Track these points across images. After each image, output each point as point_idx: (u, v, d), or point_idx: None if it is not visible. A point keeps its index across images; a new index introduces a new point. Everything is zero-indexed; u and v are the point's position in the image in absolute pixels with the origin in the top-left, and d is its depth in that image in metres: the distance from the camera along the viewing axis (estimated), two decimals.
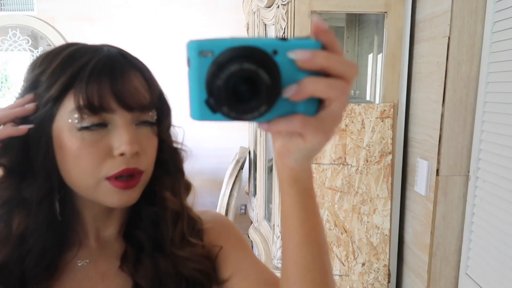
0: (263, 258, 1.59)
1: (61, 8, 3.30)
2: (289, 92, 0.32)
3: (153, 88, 0.52)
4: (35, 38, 3.35)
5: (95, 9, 3.32)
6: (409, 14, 1.38)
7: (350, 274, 1.42)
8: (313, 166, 1.39)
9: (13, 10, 3.29)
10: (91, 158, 0.47)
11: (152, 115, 0.52)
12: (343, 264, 1.42)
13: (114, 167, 0.47)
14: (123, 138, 0.47)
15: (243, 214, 3.28)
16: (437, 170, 1.24)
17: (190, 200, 0.59)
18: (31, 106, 0.48)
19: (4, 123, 0.48)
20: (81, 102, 0.46)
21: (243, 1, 2.48)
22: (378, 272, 1.42)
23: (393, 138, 1.39)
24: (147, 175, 0.52)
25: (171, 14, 3.33)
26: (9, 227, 0.48)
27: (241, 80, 0.31)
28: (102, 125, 0.47)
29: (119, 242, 0.56)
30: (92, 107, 0.46)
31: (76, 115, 0.46)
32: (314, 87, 0.32)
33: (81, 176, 0.48)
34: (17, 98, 0.51)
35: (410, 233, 1.44)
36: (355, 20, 1.78)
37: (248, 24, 2.43)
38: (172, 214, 0.55)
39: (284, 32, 1.40)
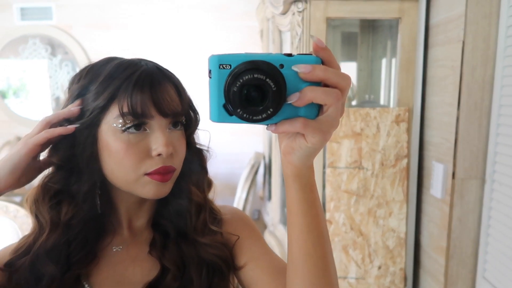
0: None
1: (78, 17, 3.39)
2: (293, 99, 0.39)
3: (184, 97, 0.59)
4: (53, 46, 3.44)
5: (110, 18, 3.40)
6: (423, 19, 1.40)
7: (366, 277, 1.43)
8: (329, 169, 1.41)
9: (33, 19, 3.39)
10: (133, 158, 0.54)
11: (183, 120, 0.59)
12: (359, 267, 1.43)
13: (152, 165, 0.55)
14: (160, 141, 0.54)
15: (257, 219, 3.30)
16: (453, 173, 1.25)
17: (210, 195, 0.66)
18: (76, 110, 0.55)
19: (54, 124, 0.55)
20: (125, 110, 0.53)
21: (256, 8, 2.52)
22: (394, 275, 1.43)
23: (408, 142, 1.40)
24: (178, 172, 0.59)
25: (184, 21, 3.39)
26: (59, 215, 0.56)
27: (253, 88, 0.39)
28: (143, 129, 0.55)
29: (148, 230, 0.63)
30: (135, 114, 0.54)
31: (120, 121, 0.54)
32: (313, 94, 0.39)
33: (124, 173, 0.55)
34: (64, 106, 0.58)
35: (426, 236, 1.44)
36: (369, 26, 1.80)
37: (262, 30, 2.47)
38: (196, 205, 0.61)
39: (299, 39, 1.43)
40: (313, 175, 0.47)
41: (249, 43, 3.38)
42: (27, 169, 0.56)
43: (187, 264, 0.59)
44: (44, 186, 0.57)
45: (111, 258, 0.60)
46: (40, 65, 3.47)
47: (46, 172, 0.59)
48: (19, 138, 3.32)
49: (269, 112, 0.39)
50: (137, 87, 0.54)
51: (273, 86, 0.39)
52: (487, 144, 1.22)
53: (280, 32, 1.79)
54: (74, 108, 0.56)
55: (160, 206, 0.64)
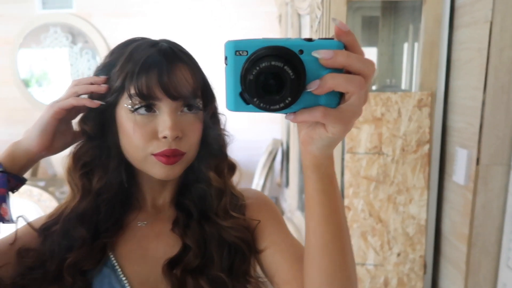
0: None
1: (98, 5, 3.42)
2: (312, 87, 0.37)
3: (197, 79, 0.59)
4: (74, 34, 3.48)
5: (129, 5, 3.42)
6: (449, 0, 1.35)
7: (385, 264, 1.42)
8: (348, 155, 1.39)
9: (54, 8, 3.44)
10: (140, 138, 0.56)
11: (197, 103, 0.59)
12: (377, 254, 1.42)
13: (158, 147, 0.56)
14: (166, 124, 0.55)
15: None
16: (477, 159, 1.21)
17: (235, 178, 0.65)
18: (104, 87, 0.58)
19: (80, 94, 0.58)
20: (132, 91, 0.55)
21: None
22: (413, 262, 1.41)
23: (431, 127, 1.37)
24: (189, 155, 0.60)
25: (202, 8, 3.37)
26: (90, 183, 0.60)
27: (270, 76, 0.36)
28: (151, 110, 0.56)
29: (171, 209, 0.65)
30: (142, 95, 0.55)
31: (129, 101, 0.56)
32: (334, 81, 0.37)
33: (133, 151, 0.58)
34: (94, 74, 0.61)
35: (447, 224, 1.41)
36: (391, 8, 1.75)
37: (280, 15, 2.44)
38: (216, 191, 0.62)
39: (319, 22, 1.40)
40: (333, 166, 0.46)
41: (267, 29, 3.34)
42: (58, 134, 0.59)
43: (208, 244, 0.60)
44: (75, 155, 0.61)
45: (136, 232, 0.63)
46: (61, 53, 3.52)
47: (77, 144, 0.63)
48: None
49: (287, 101, 0.37)
50: (144, 69, 0.55)
51: (291, 74, 0.36)
52: None
53: (299, 16, 1.76)
54: (104, 86, 0.58)
55: (183, 187, 0.66)
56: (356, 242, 1.42)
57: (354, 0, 1.36)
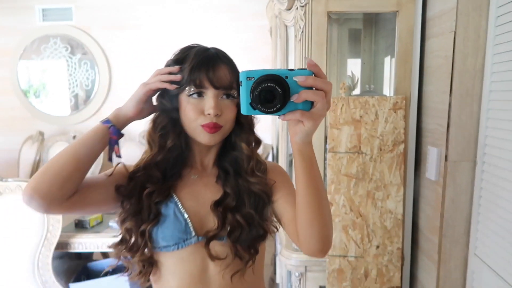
0: (283, 243, 1.70)
1: (97, 18, 3.55)
2: (294, 98, 0.60)
3: (234, 75, 0.82)
4: (72, 45, 3.60)
5: (126, 18, 3.55)
6: (420, 12, 1.48)
7: (365, 256, 1.52)
8: (330, 154, 1.50)
9: (54, 20, 3.56)
10: (192, 113, 0.80)
11: (233, 93, 0.81)
12: (358, 246, 1.52)
13: (204, 120, 0.80)
14: (209, 105, 0.79)
15: None
16: (446, 156, 1.32)
17: (259, 151, 0.91)
18: (179, 77, 0.80)
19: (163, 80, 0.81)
20: (191, 82, 0.79)
21: (266, 7, 2.62)
22: (392, 254, 1.51)
23: (406, 128, 1.48)
24: (226, 128, 0.82)
25: (197, 21, 3.51)
26: (165, 142, 0.83)
27: (267, 92, 0.60)
28: (201, 95, 0.80)
29: (214, 168, 0.90)
30: (195, 85, 0.79)
31: (187, 88, 0.80)
32: (307, 95, 0.60)
33: (188, 122, 0.81)
34: (166, 65, 0.85)
35: (422, 218, 1.52)
36: (371, 20, 1.88)
37: (271, 28, 2.57)
38: (246, 156, 0.86)
39: (302, 32, 1.52)
40: (312, 150, 0.68)
41: (260, 41, 3.48)
42: (145, 105, 0.83)
43: (241, 192, 0.84)
44: (155, 122, 0.84)
45: (191, 182, 0.87)
46: (60, 63, 3.63)
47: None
48: (41, 133, 3.49)
49: (278, 107, 0.60)
50: (197, 67, 0.79)
51: (280, 90, 0.59)
52: (478, 128, 1.29)
53: (286, 27, 1.88)
54: (178, 75, 0.80)
55: (222, 153, 0.89)
56: (338, 236, 1.52)
57: (334, 11, 1.49)
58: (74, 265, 2.09)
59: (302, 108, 0.61)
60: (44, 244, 1.76)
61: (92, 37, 3.59)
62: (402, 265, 1.53)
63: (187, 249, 0.82)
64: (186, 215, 0.82)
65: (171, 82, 0.81)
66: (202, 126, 0.79)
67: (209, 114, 0.78)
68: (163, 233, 0.81)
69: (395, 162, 1.48)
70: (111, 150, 0.82)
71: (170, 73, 0.81)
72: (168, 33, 3.53)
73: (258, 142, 0.88)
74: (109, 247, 0.86)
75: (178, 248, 0.82)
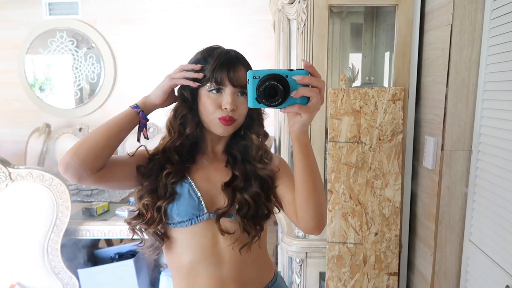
0: (285, 231, 1.75)
1: (103, 12, 3.60)
2: (293, 94, 0.71)
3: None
4: (78, 39, 3.65)
5: (132, 13, 3.59)
6: (419, 6, 1.52)
7: (363, 243, 1.57)
8: (331, 144, 1.55)
9: (60, 14, 3.61)
10: (211, 107, 0.89)
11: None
12: (357, 233, 1.57)
13: (222, 113, 0.89)
14: (227, 100, 0.89)
15: None
16: (442, 145, 1.37)
17: (267, 142, 1.01)
18: (201, 75, 0.90)
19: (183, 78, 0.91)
20: (212, 79, 0.89)
21: (269, 1, 2.66)
22: (390, 241, 1.56)
23: (404, 119, 1.53)
24: (239, 122, 0.92)
25: (202, 16, 3.55)
26: (184, 129, 0.93)
27: (270, 88, 0.70)
28: (219, 91, 0.90)
29: (223, 155, 1.00)
30: (216, 82, 0.89)
31: (208, 84, 0.90)
32: (304, 91, 0.71)
33: (206, 115, 0.91)
34: (192, 62, 0.94)
35: (420, 206, 1.56)
36: (372, 14, 1.92)
37: (274, 22, 2.61)
38: (255, 146, 0.96)
39: (304, 25, 1.56)
40: (308, 138, 0.79)
41: (263, 36, 3.52)
42: (169, 95, 0.93)
43: (248, 175, 0.94)
44: (176, 111, 0.94)
45: (203, 166, 0.97)
46: (66, 57, 3.69)
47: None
48: (48, 125, 3.55)
49: (279, 101, 0.71)
50: (219, 67, 0.89)
51: (281, 87, 0.70)
52: (473, 118, 1.34)
53: (289, 21, 1.93)
54: (200, 74, 0.90)
55: (231, 142, 0.99)
56: (337, 223, 1.57)
57: (335, 5, 1.53)
58: (82, 252, 2.16)
59: (300, 102, 0.72)
60: (53, 230, 1.82)
61: (98, 31, 3.63)
62: (399, 251, 1.58)
63: (199, 225, 0.92)
64: (199, 194, 0.92)
65: (194, 79, 0.90)
66: (219, 119, 0.89)
67: (226, 108, 0.88)
68: (178, 210, 0.91)
69: (393, 152, 1.53)
70: (140, 132, 0.92)
71: (192, 70, 0.91)
72: (173, 28, 3.57)
73: (266, 135, 1.00)
74: (126, 221, 0.94)
75: (191, 223, 0.91)
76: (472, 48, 1.31)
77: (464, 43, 1.31)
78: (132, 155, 0.94)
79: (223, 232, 0.90)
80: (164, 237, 0.93)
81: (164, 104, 0.94)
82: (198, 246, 0.92)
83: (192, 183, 0.93)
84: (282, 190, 0.95)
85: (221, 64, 0.89)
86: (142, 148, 0.96)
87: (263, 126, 0.99)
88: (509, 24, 1.16)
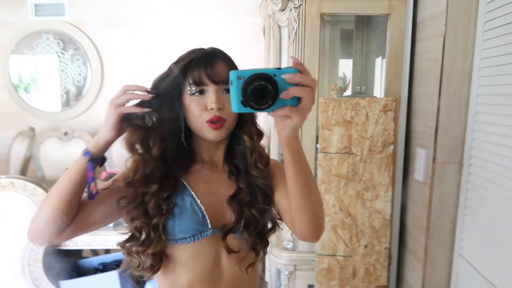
0: (274, 242, 1.72)
1: (91, 13, 3.53)
2: (283, 95, 0.63)
3: (232, 70, 0.83)
4: (65, 41, 3.58)
5: (121, 14, 3.53)
6: (411, 15, 1.50)
7: (353, 255, 1.54)
8: (321, 155, 1.52)
9: (46, 15, 3.53)
10: (196, 110, 0.82)
11: None
12: (347, 246, 1.54)
13: (208, 115, 0.82)
14: (211, 100, 0.81)
15: None
16: (434, 158, 1.35)
17: (262, 143, 0.92)
18: (149, 96, 0.80)
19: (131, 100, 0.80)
20: (190, 81, 0.82)
21: (260, 6, 2.63)
22: (379, 254, 1.53)
23: (395, 130, 1.51)
24: (230, 121, 0.84)
25: (192, 18, 3.51)
26: (150, 155, 0.82)
27: (259, 90, 0.62)
28: (202, 92, 0.82)
29: (225, 165, 0.92)
30: (196, 83, 0.82)
31: (188, 88, 0.82)
32: (294, 91, 0.63)
33: (193, 120, 0.84)
34: (168, 71, 0.84)
35: (410, 218, 1.54)
36: (363, 22, 1.90)
37: (264, 27, 2.58)
38: (249, 149, 0.88)
39: (295, 33, 1.53)
40: (299, 142, 0.71)
41: (253, 40, 3.49)
42: (123, 123, 0.80)
43: (250, 187, 0.87)
44: (128, 142, 0.83)
45: (204, 177, 0.89)
46: (52, 59, 3.60)
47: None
48: (32, 129, 3.47)
49: (270, 103, 0.63)
50: (194, 66, 0.82)
51: (271, 88, 0.62)
52: (465, 131, 1.32)
53: (279, 27, 1.89)
54: (148, 95, 0.80)
55: (229, 148, 0.92)
56: (327, 235, 1.54)
57: (327, 13, 1.50)
58: (64, 262, 2.09)
59: (290, 104, 0.64)
60: None
61: (85, 32, 3.56)
62: (389, 264, 1.56)
63: (202, 242, 0.85)
64: (202, 208, 0.85)
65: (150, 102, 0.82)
66: (207, 122, 0.82)
67: (211, 108, 0.81)
68: (180, 225, 0.84)
69: (384, 163, 1.50)
70: (88, 188, 0.78)
71: (153, 92, 0.81)
72: (162, 30, 3.52)
73: (260, 134, 0.91)
74: (119, 245, 0.86)
75: (194, 240, 0.84)
76: (464, 60, 1.29)
77: (456, 54, 1.29)
78: (106, 189, 0.83)
79: (229, 250, 0.84)
80: (162, 256, 0.84)
81: (121, 133, 0.81)
82: (199, 264, 0.85)
83: (195, 196, 0.86)
84: (278, 197, 0.88)
85: (197, 62, 0.82)
86: (115, 177, 0.86)
87: (255, 125, 0.90)
88: (502, 37, 1.15)
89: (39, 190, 1.67)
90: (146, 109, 0.80)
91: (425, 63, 1.44)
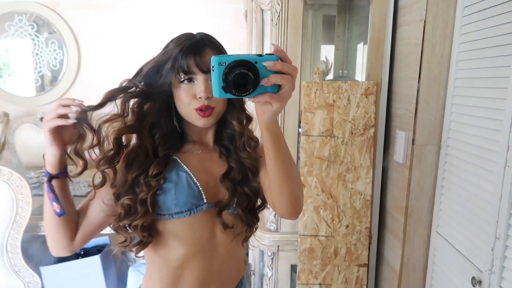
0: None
1: None
2: (264, 82, 0.64)
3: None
4: (39, 24, 3.46)
5: None
6: (392, 1, 1.52)
7: (335, 235, 1.58)
8: (304, 137, 1.54)
9: None
10: (185, 98, 0.84)
11: None
12: (328, 226, 1.58)
13: (197, 104, 0.84)
14: (200, 88, 0.83)
15: None
16: (413, 140, 1.39)
17: (251, 127, 0.95)
18: (74, 110, 0.78)
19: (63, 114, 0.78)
20: (179, 69, 0.83)
21: None
22: (360, 233, 1.58)
23: (376, 113, 1.54)
24: (219, 109, 0.87)
25: (173, 3, 3.44)
26: (159, 127, 0.88)
27: (240, 76, 0.63)
28: (191, 81, 0.84)
29: (215, 146, 0.95)
30: (184, 71, 0.83)
31: (177, 76, 0.84)
32: (275, 79, 0.64)
33: (182, 108, 0.86)
34: (156, 60, 0.85)
35: (389, 199, 1.59)
36: (346, 7, 1.92)
37: (246, 11, 2.57)
38: (238, 133, 0.91)
39: (278, 16, 1.54)
40: (278, 126, 0.73)
41: (234, 25, 3.46)
42: (66, 134, 0.79)
43: (240, 166, 0.90)
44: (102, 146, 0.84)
45: (196, 156, 0.92)
46: (25, 42, 3.48)
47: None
48: (6, 114, 3.36)
49: (250, 90, 0.64)
50: (184, 54, 0.83)
51: (252, 76, 0.63)
52: (444, 113, 1.36)
53: (262, 11, 1.89)
54: (72, 109, 0.78)
55: (218, 132, 0.95)
56: (309, 216, 1.57)
57: None
58: (44, 248, 2.06)
59: (271, 91, 0.66)
60: (13, 227, 1.72)
61: (61, 15, 3.45)
62: (369, 243, 1.61)
63: (197, 216, 0.88)
64: (198, 183, 0.88)
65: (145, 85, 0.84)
66: (196, 110, 0.84)
67: (200, 97, 0.83)
68: (177, 199, 0.86)
69: (365, 146, 1.54)
70: (52, 208, 0.80)
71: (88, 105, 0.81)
72: (141, 15, 3.44)
73: (249, 118, 0.93)
74: (111, 223, 0.88)
75: (190, 214, 0.87)
76: (444, 45, 1.33)
77: (436, 39, 1.33)
78: (94, 192, 0.85)
79: (225, 226, 0.88)
80: (152, 231, 0.87)
81: (64, 145, 0.80)
82: (194, 239, 0.88)
83: (190, 172, 0.88)
84: (262, 177, 0.91)
85: (186, 50, 0.83)
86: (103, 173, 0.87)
87: (244, 110, 0.93)
88: (480, 22, 1.18)
89: (16, 174, 1.63)
90: (71, 121, 0.78)
91: (406, 48, 1.48)
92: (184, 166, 0.89)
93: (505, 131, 1.03)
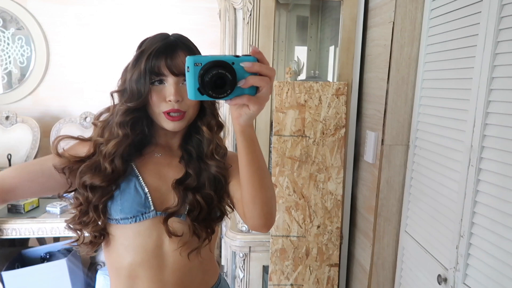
0: (229, 224, 1.72)
1: None
2: (241, 83, 0.62)
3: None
4: (5, 19, 3.33)
5: None
6: (363, 2, 1.54)
7: (306, 236, 1.58)
8: (275, 137, 1.54)
9: None
10: (155, 100, 0.82)
11: None
12: (300, 226, 1.57)
13: (167, 106, 0.82)
14: (169, 91, 0.81)
15: None
16: (382, 140, 1.40)
17: (222, 135, 0.92)
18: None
19: None
20: (150, 70, 0.81)
21: None
22: (331, 233, 1.58)
23: (347, 113, 1.55)
24: (189, 114, 0.85)
25: (146, 1, 3.38)
26: (131, 130, 0.85)
27: (217, 77, 0.60)
28: (162, 83, 0.82)
29: (179, 150, 0.92)
30: (155, 73, 0.81)
31: (148, 76, 0.81)
32: (253, 80, 0.62)
33: (152, 109, 0.84)
34: (132, 62, 0.84)
35: (360, 199, 1.60)
36: (318, 8, 1.93)
37: (220, 10, 2.55)
38: (206, 139, 0.88)
39: (250, 15, 1.52)
40: (253, 131, 0.71)
41: (208, 24, 3.43)
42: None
43: (202, 174, 0.87)
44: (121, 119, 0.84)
45: (154, 159, 0.89)
46: None
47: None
48: None
49: (228, 92, 0.61)
50: (155, 55, 0.81)
51: (230, 77, 0.60)
52: (412, 114, 1.38)
53: (234, 9, 1.87)
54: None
55: (186, 136, 0.92)
56: (281, 216, 1.56)
57: None
58: (7, 252, 1.98)
59: (248, 93, 0.63)
60: None
61: (28, 10, 3.33)
62: (340, 243, 1.61)
63: (144, 223, 0.85)
64: (146, 190, 0.85)
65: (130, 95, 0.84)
66: (164, 113, 0.83)
67: (170, 100, 0.81)
68: (122, 205, 0.84)
69: (336, 146, 1.55)
70: None
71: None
72: (113, 12, 3.37)
73: (220, 126, 0.91)
74: (66, 221, 0.88)
75: (136, 221, 0.84)
76: (412, 46, 1.35)
77: (404, 40, 1.35)
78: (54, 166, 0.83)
79: (170, 233, 0.83)
80: (104, 233, 0.86)
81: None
82: (140, 246, 0.85)
83: (140, 178, 0.85)
84: (233, 187, 0.88)
85: (157, 51, 0.81)
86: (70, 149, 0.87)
87: (216, 116, 0.90)
88: (446, 24, 1.21)
89: None
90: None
91: (376, 49, 1.49)
92: (136, 171, 0.86)
93: (469, 131, 1.05)
